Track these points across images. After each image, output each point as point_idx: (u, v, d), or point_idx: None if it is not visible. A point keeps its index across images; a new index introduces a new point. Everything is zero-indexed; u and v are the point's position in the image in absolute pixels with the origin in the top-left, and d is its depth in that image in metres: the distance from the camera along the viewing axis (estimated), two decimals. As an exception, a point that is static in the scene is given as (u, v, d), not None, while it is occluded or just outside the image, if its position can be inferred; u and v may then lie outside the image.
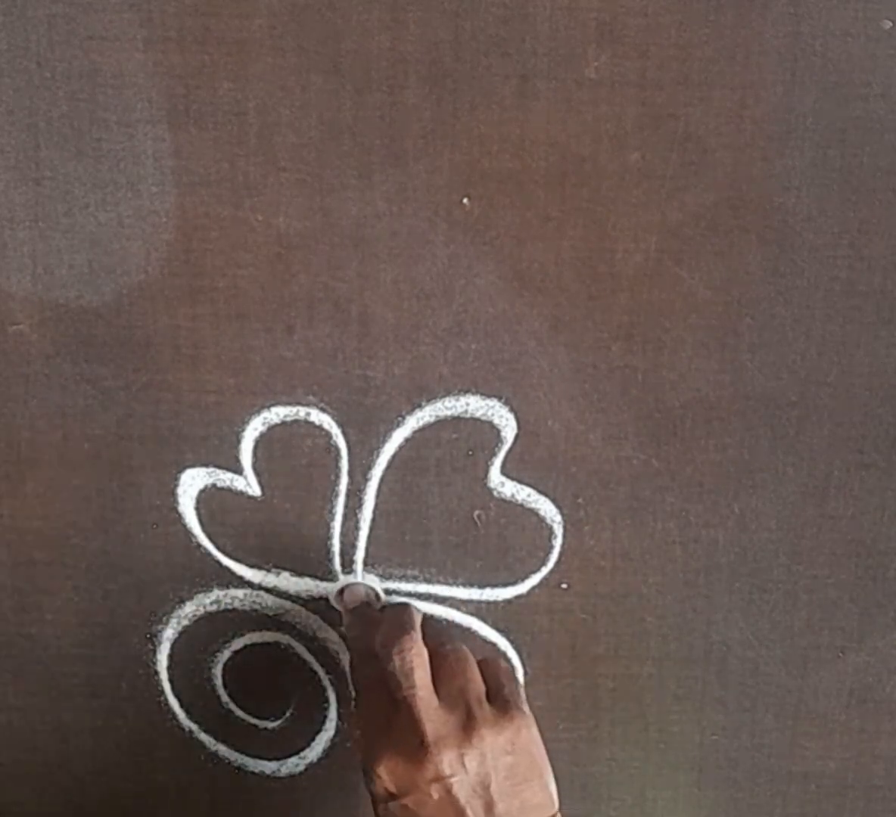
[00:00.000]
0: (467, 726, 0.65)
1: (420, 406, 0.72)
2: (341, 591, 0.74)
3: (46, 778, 0.79)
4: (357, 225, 0.69)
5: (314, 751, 0.79)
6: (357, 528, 0.74)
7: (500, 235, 0.69)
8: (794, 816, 0.80)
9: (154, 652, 0.76)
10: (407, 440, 0.73)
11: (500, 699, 0.67)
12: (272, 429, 0.72)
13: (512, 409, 0.72)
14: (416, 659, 0.67)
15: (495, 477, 0.73)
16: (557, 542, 0.74)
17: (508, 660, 0.76)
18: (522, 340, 0.71)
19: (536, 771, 0.67)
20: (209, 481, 0.73)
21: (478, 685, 0.68)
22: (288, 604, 0.75)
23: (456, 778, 0.64)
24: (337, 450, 0.73)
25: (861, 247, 0.69)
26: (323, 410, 0.72)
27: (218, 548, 0.74)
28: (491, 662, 0.71)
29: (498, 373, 0.72)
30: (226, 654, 0.76)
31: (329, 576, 0.75)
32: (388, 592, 0.75)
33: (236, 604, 0.75)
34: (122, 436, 0.72)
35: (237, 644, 0.76)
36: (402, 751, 0.65)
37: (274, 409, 0.72)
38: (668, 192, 0.69)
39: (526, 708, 0.68)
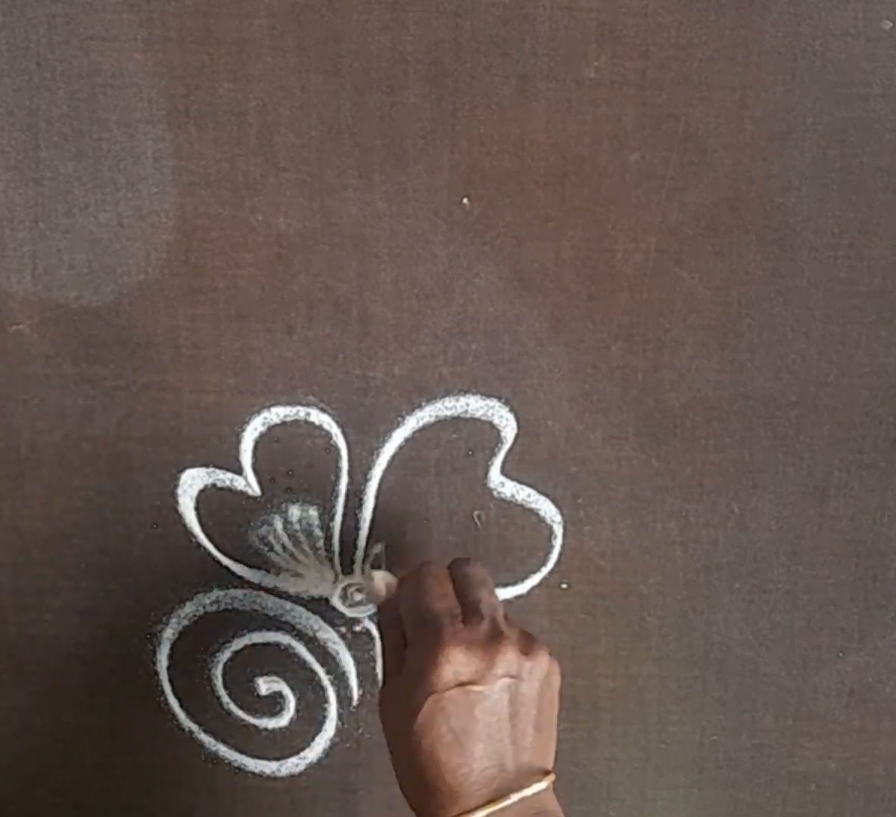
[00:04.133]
0: (526, 639, 0.63)
1: (420, 406, 0.72)
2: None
3: (46, 778, 0.79)
4: (357, 225, 0.69)
5: (314, 751, 0.79)
6: (357, 528, 0.74)
7: (500, 235, 0.69)
8: (793, 816, 0.80)
9: (154, 652, 0.76)
10: (407, 440, 0.73)
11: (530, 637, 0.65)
12: (272, 429, 0.72)
13: (512, 409, 0.72)
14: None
15: (495, 477, 0.73)
16: (557, 542, 0.74)
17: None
18: (522, 340, 0.71)
19: (553, 724, 0.64)
20: (209, 481, 0.73)
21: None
22: (288, 604, 0.75)
23: (521, 681, 0.62)
24: (337, 450, 0.73)
25: (861, 247, 0.69)
26: (323, 410, 0.72)
27: (218, 548, 0.74)
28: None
29: (498, 373, 0.72)
30: (226, 654, 0.76)
31: (329, 576, 0.75)
32: (388, 592, 0.75)
33: (236, 604, 0.75)
34: (122, 436, 0.72)
35: (237, 644, 0.76)
36: (477, 640, 0.62)
37: (274, 409, 0.72)
38: (668, 192, 0.69)
39: None
